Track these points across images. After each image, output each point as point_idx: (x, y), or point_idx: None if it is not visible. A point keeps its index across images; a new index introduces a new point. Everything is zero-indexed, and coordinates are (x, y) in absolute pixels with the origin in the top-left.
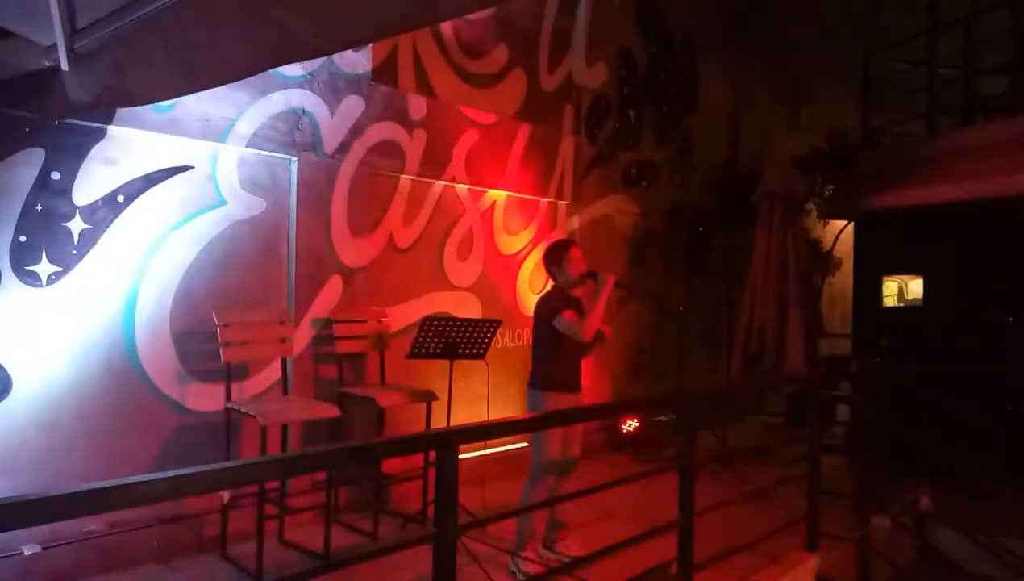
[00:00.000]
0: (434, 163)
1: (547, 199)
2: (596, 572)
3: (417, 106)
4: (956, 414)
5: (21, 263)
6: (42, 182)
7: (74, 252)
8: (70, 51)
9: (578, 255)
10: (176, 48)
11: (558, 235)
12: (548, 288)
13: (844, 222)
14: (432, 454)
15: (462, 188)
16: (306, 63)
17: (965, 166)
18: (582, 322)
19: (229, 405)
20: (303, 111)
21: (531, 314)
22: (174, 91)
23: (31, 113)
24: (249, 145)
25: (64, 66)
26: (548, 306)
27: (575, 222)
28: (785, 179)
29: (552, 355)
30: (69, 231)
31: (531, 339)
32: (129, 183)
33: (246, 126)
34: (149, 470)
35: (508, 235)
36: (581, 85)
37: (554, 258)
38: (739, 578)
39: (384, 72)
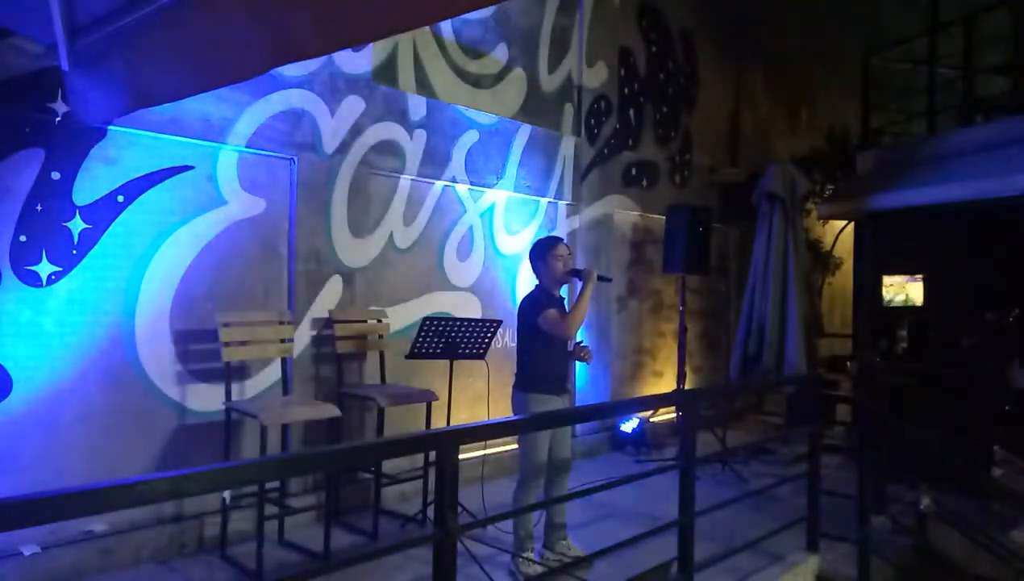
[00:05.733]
0: (434, 163)
1: (547, 199)
2: (596, 572)
3: (417, 106)
4: (956, 414)
5: (21, 263)
6: (42, 182)
7: (74, 252)
8: (70, 51)
9: (563, 252)
10: (187, 48)
11: (558, 235)
12: (532, 287)
13: (844, 222)
14: (432, 454)
15: (462, 188)
16: (306, 63)
17: (965, 166)
18: (565, 319)
19: (229, 405)
20: (303, 111)
21: None
22: (189, 89)
23: (40, 114)
24: (249, 145)
25: (64, 66)
26: (532, 305)
27: (575, 222)
28: (785, 179)
29: (537, 356)
30: (69, 231)
31: (516, 340)
32: (129, 183)
33: (246, 126)
34: (149, 470)
35: (508, 235)
36: (581, 85)
37: (539, 254)
38: (739, 578)
39: (384, 72)
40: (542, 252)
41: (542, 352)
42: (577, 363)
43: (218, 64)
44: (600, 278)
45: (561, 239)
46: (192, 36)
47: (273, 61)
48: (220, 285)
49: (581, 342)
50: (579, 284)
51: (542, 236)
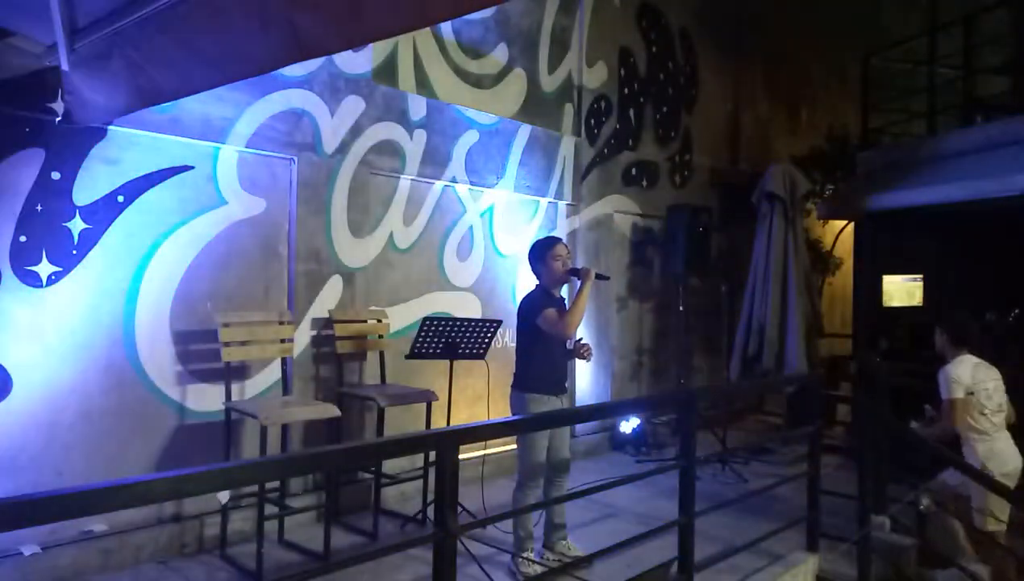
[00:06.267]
0: (434, 163)
1: (547, 199)
2: (596, 572)
3: (417, 106)
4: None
5: (21, 263)
6: (42, 182)
7: (74, 252)
8: (70, 51)
9: (562, 252)
10: (193, 44)
11: (558, 235)
12: (532, 287)
13: (844, 222)
14: (432, 454)
15: (462, 188)
16: (306, 63)
17: (965, 166)
18: (563, 318)
19: (229, 405)
20: (303, 111)
21: None
22: (195, 86)
23: (40, 114)
24: (249, 145)
25: (64, 66)
26: (531, 305)
27: (575, 222)
28: (785, 179)
29: (535, 355)
30: (69, 231)
31: (516, 340)
32: (129, 183)
33: (246, 126)
34: (149, 470)
35: (508, 235)
36: (581, 85)
37: (538, 254)
38: (739, 578)
39: (384, 72)
40: (541, 253)
41: (541, 352)
42: (577, 362)
43: (222, 61)
44: (598, 277)
45: (560, 239)
46: (196, 33)
47: (280, 60)
48: (220, 285)
49: (580, 339)
50: (578, 283)
51: (541, 237)
